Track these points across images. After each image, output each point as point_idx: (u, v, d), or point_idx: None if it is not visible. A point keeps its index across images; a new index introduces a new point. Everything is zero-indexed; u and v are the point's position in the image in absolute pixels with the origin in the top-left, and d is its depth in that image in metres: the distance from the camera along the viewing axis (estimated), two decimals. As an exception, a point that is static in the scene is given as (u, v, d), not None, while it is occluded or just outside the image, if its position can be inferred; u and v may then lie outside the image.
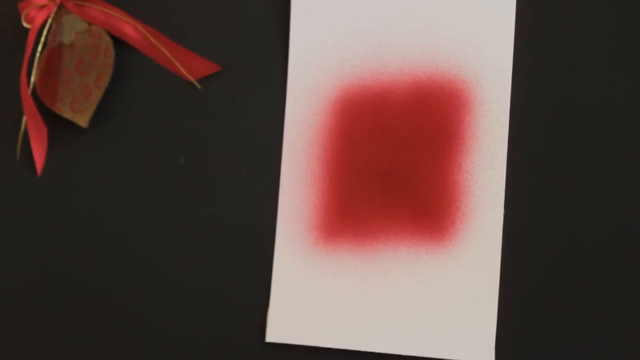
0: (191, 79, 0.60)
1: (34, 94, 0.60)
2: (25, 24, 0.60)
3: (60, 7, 0.60)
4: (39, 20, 0.60)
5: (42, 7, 0.60)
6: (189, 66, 0.60)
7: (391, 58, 0.57)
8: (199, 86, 0.60)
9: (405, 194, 0.56)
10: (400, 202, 0.56)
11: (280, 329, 0.57)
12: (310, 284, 0.57)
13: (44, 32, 0.60)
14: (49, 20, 0.60)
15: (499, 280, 0.54)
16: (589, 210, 0.54)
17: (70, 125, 0.60)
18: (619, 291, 0.53)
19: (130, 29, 0.60)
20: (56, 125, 0.61)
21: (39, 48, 0.60)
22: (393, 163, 0.57)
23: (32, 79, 0.60)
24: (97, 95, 0.60)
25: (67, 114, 0.60)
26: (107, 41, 0.60)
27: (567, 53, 0.55)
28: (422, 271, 0.55)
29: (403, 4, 0.57)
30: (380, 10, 0.57)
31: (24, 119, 0.60)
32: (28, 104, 0.59)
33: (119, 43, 0.60)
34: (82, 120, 0.60)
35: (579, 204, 0.54)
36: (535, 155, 0.55)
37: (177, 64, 0.60)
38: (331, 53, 0.58)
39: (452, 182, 0.56)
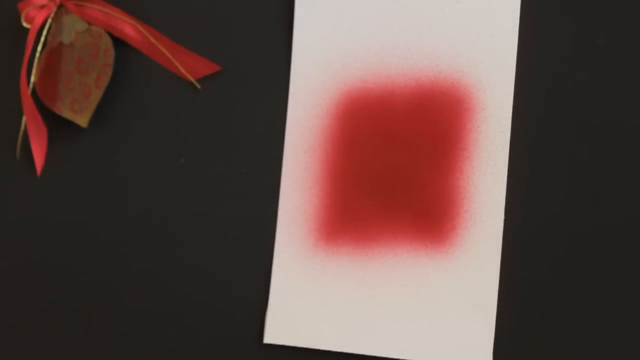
0: (191, 79, 0.60)
1: (34, 93, 0.60)
2: (25, 24, 0.60)
3: (60, 7, 0.60)
4: (38, 20, 0.59)
5: (42, 7, 0.59)
6: (189, 66, 0.59)
7: (394, 61, 0.57)
8: (199, 86, 0.60)
9: (406, 198, 0.56)
10: (401, 205, 0.56)
11: (278, 330, 0.57)
12: (309, 286, 0.57)
13: (44, 32, 0.60)
14: (49, 20, 0.60)
15: (498, 286, 0.55)
16: (590, 216, 0.54)
17: (70, 125, 0.60)
18: (619, 296, 0.54)
19: (130, 29, 0.60)
20: (56, 125, 0.61)
21: (39, 48, 0.60)
22: (394, 166, 0.56)
23: (32, 78, 0.60)
24: (97, 95, 0.60)
25: (66, 113, 0.60)
26: (107, 41, 0.60)
27: (570, 58, 0.55)
28: (422, 275, 0.55)
29: (407, 7, 0.57)
30: (383, 13, 0.57)
31: (24, 119, 0.60)
32: (28, 103, 0.59)
33: (119, 43, 0.60)
34: (82, 120, 0.60)
35: (580, 210, 0.54)
36: (537, 162, 0.55)
37: (177, 64, 0.59)
38: (334, 55, 0.58)
39: (453, 186, 0.55)
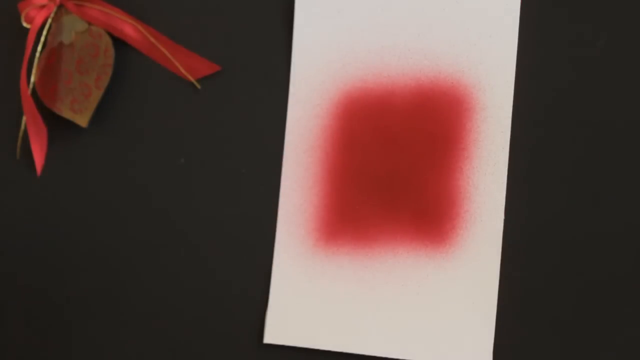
0: (191, 79, 0.60)
1: (34, 93, 0.60)
2: (25, 24, 0.60)
3: (60, 7, 0.60)
4: (38, 20, 0.59)
5: (42, 7, 0.60)
6: (189, 66, 0.60)
7: (394, 61, 0.57)
8: (199, 86, 0.60)
9: (405, 198, 0.56)
10: (401, 205, 0.56)
11: (278, 330, 0.57)
12: (309, 286, 0.57)
13: (44, 32, 0.60)
14: (49, 20, 0.60)
15: (498, 286, 0.55)
16: (590, 217, 0.54)
17: (70, 125, 0.60)
18: (619, 297, 0.53)
19: (130, 29, 0.60)
20: (56, 125, 0.61)
21: (39, 48, 0.60)
22: (394, 167, 0.56)
23: (32, 78, 0.60)
24: (97, 95, 0.60)
25: (66, 114, 0.60)
26: (107, 41, 0.60)
27: (570, 59, 0.55)
28: (422, 275, 0.55)
29: (407, 7, 0.57)
30: (383, 13, 0.57)
31: (24, 119, 0.60)
32: (28, 104, 0.59)
33: (119, 43, 0.60)
34: (82, 120, 0.60)
35: (580, 211, 0.54)
36: (537, 162, 0.55)
37: (177, 64, 0.60)
38: (334, 55, 0.58)
39: (453, 187, 0.55)
